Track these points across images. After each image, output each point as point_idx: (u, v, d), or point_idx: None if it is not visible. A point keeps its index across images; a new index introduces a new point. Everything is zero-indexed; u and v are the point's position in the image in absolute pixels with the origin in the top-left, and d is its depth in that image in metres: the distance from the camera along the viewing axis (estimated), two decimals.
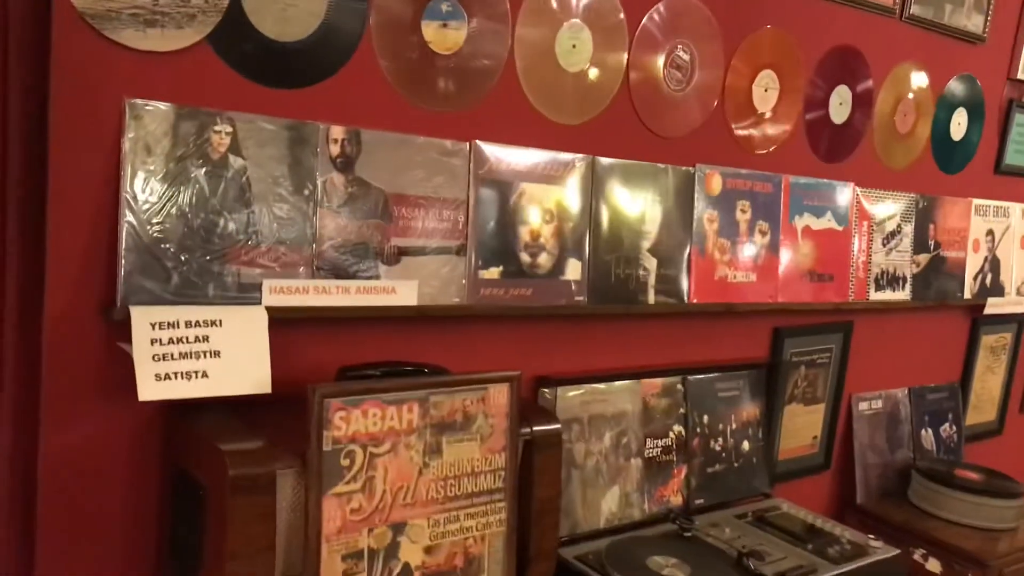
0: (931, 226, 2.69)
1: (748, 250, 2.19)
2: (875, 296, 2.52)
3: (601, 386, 1.98)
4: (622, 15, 1.89)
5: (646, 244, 1.99)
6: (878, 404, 2.69)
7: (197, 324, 1.38)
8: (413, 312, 1.64)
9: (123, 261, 1.35)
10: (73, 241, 1.34)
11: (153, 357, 1.33)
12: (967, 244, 2.83)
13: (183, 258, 1.40)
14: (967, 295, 2.84)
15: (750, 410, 2.29)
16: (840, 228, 2.42)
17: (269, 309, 1.47)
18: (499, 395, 1.53)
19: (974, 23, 2.67)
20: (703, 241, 2.10)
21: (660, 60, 1.98)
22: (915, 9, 2.48)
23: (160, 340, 1.34)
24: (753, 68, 2.16)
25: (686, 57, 2.02)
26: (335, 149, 1.54)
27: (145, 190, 1.36)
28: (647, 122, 1.98)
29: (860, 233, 2.47)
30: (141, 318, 1.33)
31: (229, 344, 1.40)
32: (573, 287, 1.87)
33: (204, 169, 1.41)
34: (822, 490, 2.61)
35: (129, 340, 1.32)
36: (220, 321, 1.41)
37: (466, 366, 1.75)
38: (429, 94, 1.66)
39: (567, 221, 1.85)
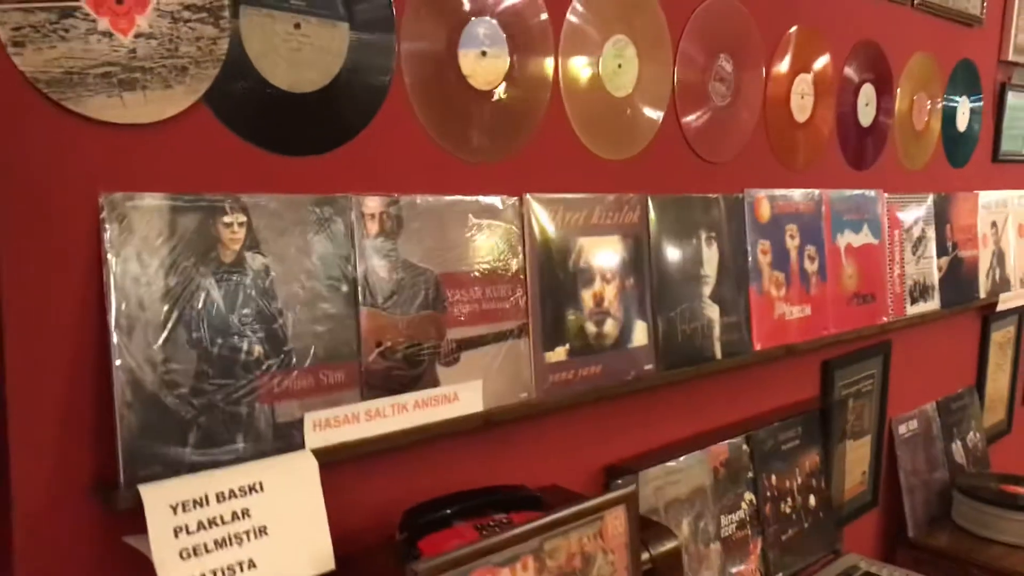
0: (948, 226, 2.48)
1: (801, 280, 1.91)
2: (911, 310, 2.29)
3: (673, 463, 1.67)
4: (663, 21, 1.58)
5: (707, 290, 1.68)
6: (914, 425, 2.47)
7: (232, 495, 1.00)
8: (479, 421, 1.28)
9: (121, 419, 0.96)
10: (45, 401, 0.94)
11: (181, 554, 0.94)
12: (978, 241, 2.64)
13: (201, 403, 1.01)
14: (982, 294, 2.65)
15: (811, 459, 2.02)
16: (876, 242, 2.17)
17: (317, 452, 1.09)
18: (616, 522, 1.20)
19: (973, 4, 2.47)
20: (759, 277, 1.81)
21: (704, 72, 1.68)
22: None
23: (187, 527, 0.95)
24: (790, 74, 1.88)
25: (729, 68, 1.72)
26: (373, 227, 1.18)
27: (141, 316, 0.97)
28: (695, 146, 1.68)
29: (893, 243, 2.24)
30: (158, 501, 0.94)
31: (276, 514, 1.03)
32: (642, 355, 1.54)
33: (216, 276, 1.03)
34: (871, 528, 2.37)
35: (140, 531, 0.93)
36: (260, 484, 1.03)
37: (535, 471, 1.42)
38: (471, 142, 1.31)
39: (627, 277, 1.53)
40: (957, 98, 2.50)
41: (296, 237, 1.10)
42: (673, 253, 1.61)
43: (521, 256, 1.36)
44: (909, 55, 2.26)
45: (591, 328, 1.46)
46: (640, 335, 1.54)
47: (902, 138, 2.28)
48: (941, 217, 2.44)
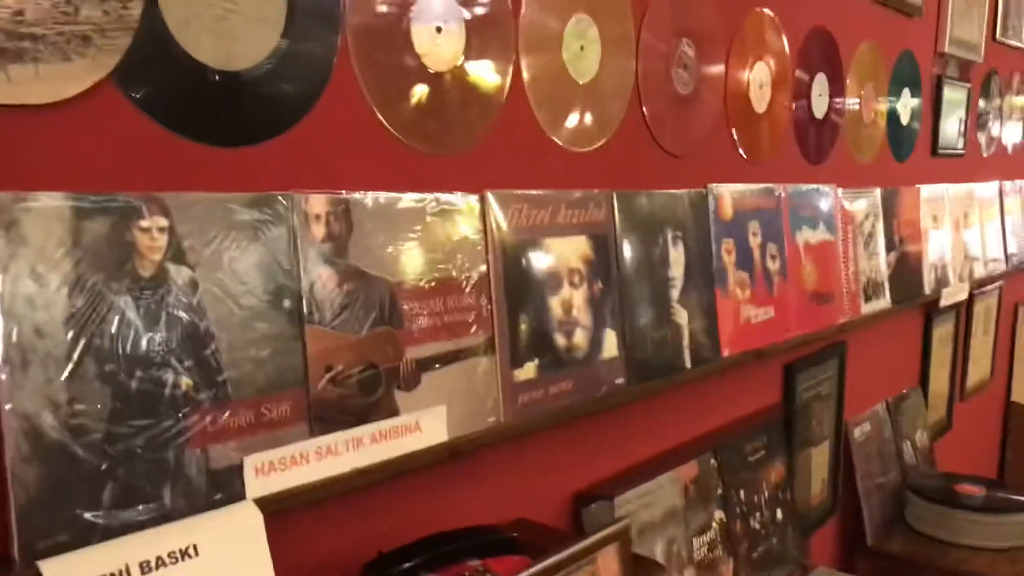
0: (894, 221, 2.41)
1: (764, 281, 1.80)
2: (865, 309, 2.20)
3: (646, 485, 1.52)
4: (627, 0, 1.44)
5: (675, 294, 1.55)
6: (868, 428, 2.39)
7: (160, 563, 0.81)
8: (444, 452, 1.11)
9: (15, 478, 0.76)
10: None
11: None
12: (921, 235, 2.58)
13: (118, 451, 0.82)
14: (927, 290, 2.59)
15: (777, 469, 1.91)
16: (831, 238, 2.08)
17: (260, 503, 0.91)
18: (609, 561, 1.05)
19: None
20: (724, 278, 1.68)
21: (667, 59, 1.54)
22: None
23: None
24: (748, 61, 1.77)
25: (691, 53, 1.59)
26: (318, 231, 0.99)
27: (38, 347, 0.77)
28: (659, 138, 1.54)
29: (847, 240, 2.15)
30: None
31: None
32: (612, 368, 1.40)
33: (132, 293, 0.83)
34: (830, 536, 2.28)
35: None
36: (195, 548, 0.84)
37: (502, 503, 1.27)
38: (427, 131, 1.14)
39: (595, 282, 1.38)
40: (900, 90, 2.44)
41: (228, 244, 0.91)
42: (640, 254, 1.47)
43: (484, 261, 1.19)
44: (857, 44, 2.18)
45: (560, 340, 1.31)
46: (610, 346, 1.39)
47: (852, 131, 2.20)
48: (888, 212, 2.37)
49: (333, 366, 1.00)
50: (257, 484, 0.92)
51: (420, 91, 1.12)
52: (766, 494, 1.85)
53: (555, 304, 1.30)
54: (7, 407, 0.75)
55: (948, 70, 2.72)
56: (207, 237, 0.89)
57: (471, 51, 1.17)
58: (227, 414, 0.90)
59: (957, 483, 2.41)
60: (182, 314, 0.87)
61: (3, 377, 0.75)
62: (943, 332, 2.88)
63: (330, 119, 1.02)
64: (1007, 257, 3.19)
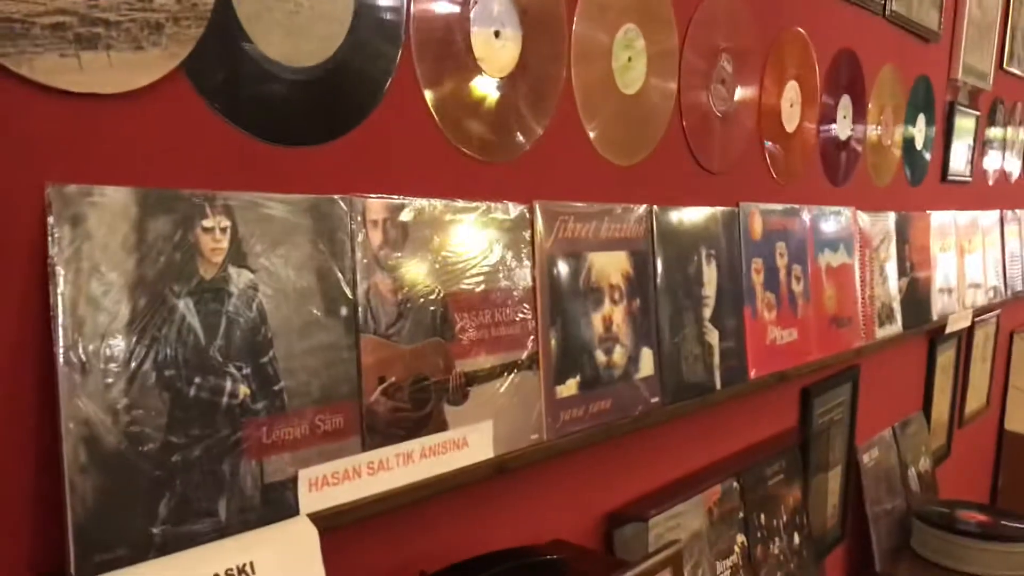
0: (906, 246, 2.40)
1: (789, 302, 1.78)
2: (879, 333, 2.19)
3: (677, 508, 1.49)
4: (672, 15, 1.41)
5: (707, 313, 1.52)
6: (876, 453, 2.37)
7: None
8: (490, 470, 1.07)
9: (72, 489, 0.71)
10: None
11: None
12: (930, 262, 2.58)
13: (176, 462, 0.77)
14: (935, 316, 2.59)
15: (794, 494, 1.88)
16: (850, 262, 2.06)
17: (314, 518, 0.87)
18: None
19: (932, 18, 2.41)
20: (753, 299, 1.66)
21: (707, 74, 1.52)
22: (895, 5, 2.17)
23: None
24: (781, 80, 1.75)
25: (729, 69, 1.57)
26: (376, 236, 0.96)
27: (99, 350, 0.73)
28: (697, 153, 1.52)
29: (864, 264, 2.13)
30: None
31: None
32: (648, 387, 1.36)
33: (194, 297, 0.79)
34: (838, 563, 2.25)
35: None
36: (252, 566, 0.80)
37: (538, 523, 1.23)
38: (481, 138, 1.11)
39: (634, 298, 1.35)
40: (916, 115, 2.44)
41: (288, 248, 0.87)
42: (676, 272, 1.44)
43: (530, 273, 1.16)
44: (879, 68, 2.17)
45: (601, 357, 1.27)
46: (647, 364, 1.36)
47: (871, 154, 2.19)
48: (901, 236, 2.36)
49: (386, 377, 0.96)
50: (310, 499, 0.87)
51: (478, 95, 1.09)
52: (784, 518, 1.83)
53: (597, 320, 1.27)
54: (66, 412, 0.71)
55: (959, 96, 2.73)
56: (268, 240, 0.85)
57: (527, 57, 1.14)
58: (283, 425, 0.86)
59: (962, 510, 2.41)
60: (241, 319, 0.83)
61: (64, 382, 0.71)
62: (945, 359, 2.88)
63: (390, 121, 0.98)
64: (1006, 285, 3.20)
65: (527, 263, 1.15)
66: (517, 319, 1.13)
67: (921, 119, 2.47)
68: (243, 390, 0.83)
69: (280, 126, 0.88)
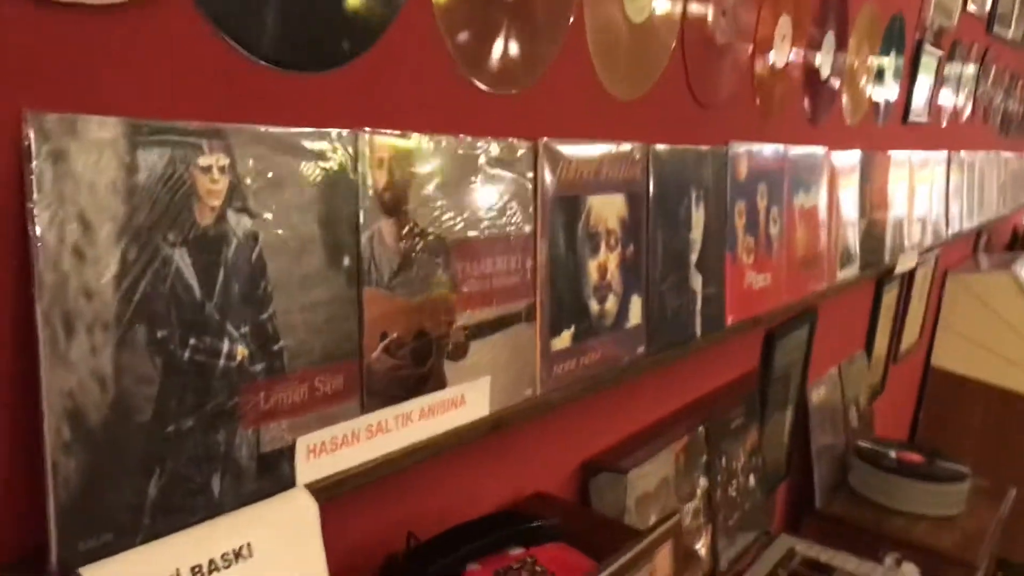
0: (867, 186, 2.38)
1: (766, 246, 1.73)
2: (840, 275, 2.18)
3: (654, 455, 1.46)
4: None
5: (694, 258, 1.46)
6: (823, 392, 2.39)
7: (214, 567, 0.69)
8: (487, 427, 1.01)
9: (55, 469, 0.62)
10: None
11: None
12: (887, 203, 2.56)
13: (168, 434, 0.68)
14: (887, 257, 2.59)
15: (752, 437, 1.87)
16: (820, 203, 2.02)
17: (312, 488, 0.79)
18: (663, 560, 0.97)
19: None
20: (735, 243, 1.60)
21: (711, 1, 1.43)
22: None
23: None
24: (776, 11, 1.67)
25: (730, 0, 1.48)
26: (381, 178, 0.86)
27: (85, 309, 0.63)
28: (695, 88, 1.44)
29: (832, 205, 2.10)
30: None
31: None
32: (636, 336, 1.31)
33: (189, 246, 0.69)
34: (780, 499, 2.28)
35: None
36: (249, 547, 0.72)
37: (518, 478, 1.18)
38: (493, 66, 1.01)
39: (628, 244, 1.28)
40: (889, 52, 2.39)
41: (292, 190, 0.77)
42: (668, 215, 1.37)
43: (531, 218, 1.08)
44: (861, 4, 2.10)
45: (594, 306, 1.21)
46: (635, 313, 1.30)
47: (849, 92, 2.14)
48: (864, 177, 2.34)
49: (388, 333, 0.88)
50: (308, 468, 0.80)
51: (492, 18, 0.98)
52: (742, 461, 1.82)
53: (592, 267, 1.20)
54: (48, 381, 0.61)
55: (927, 35, 2.68)
56: (270, 181, 0.75)
57: None
58: (282, 388, 0.77)
59: (901, 450, 2.45)
60: (241, 272, 0.73)
61: (45, 346, 0.60)
62: (890, 298, 2.91)
63: (401, 46, 0.87)
64: (947, 226, 3.23)
65: (528, 207, 1.07)
66: (516, 269, 1.05)
67: (892, 59, 2.42)
68: (241, 351, 0.74)
69: (285, 47, 0.77)
